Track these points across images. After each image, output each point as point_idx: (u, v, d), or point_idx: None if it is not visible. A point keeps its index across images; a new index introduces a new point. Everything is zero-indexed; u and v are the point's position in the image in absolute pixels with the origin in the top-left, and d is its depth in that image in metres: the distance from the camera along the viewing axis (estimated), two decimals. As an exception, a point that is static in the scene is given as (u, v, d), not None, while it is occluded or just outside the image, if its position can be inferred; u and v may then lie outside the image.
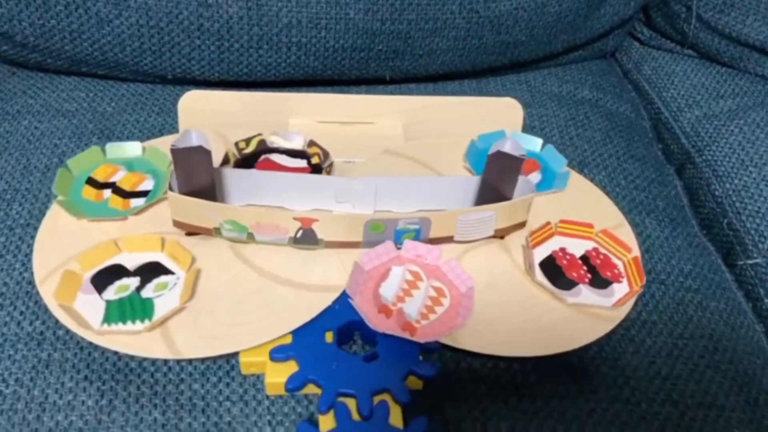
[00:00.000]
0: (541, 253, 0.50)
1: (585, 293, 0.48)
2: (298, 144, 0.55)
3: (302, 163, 0.54)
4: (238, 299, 0.45)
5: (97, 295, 0.44)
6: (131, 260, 0.47)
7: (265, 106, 0.57)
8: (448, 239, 0.49)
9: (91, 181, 0.51)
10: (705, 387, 0.46)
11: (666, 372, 0.46)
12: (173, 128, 0.60)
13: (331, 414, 0.40)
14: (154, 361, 0.43)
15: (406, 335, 0.43)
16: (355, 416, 0.40)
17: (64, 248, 0.47)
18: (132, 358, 0.43)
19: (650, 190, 0.61)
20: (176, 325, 0.43)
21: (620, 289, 0.48)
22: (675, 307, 0.51)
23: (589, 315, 0.46)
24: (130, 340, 0.42)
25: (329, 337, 0.43)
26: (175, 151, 0.44)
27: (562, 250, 0.49)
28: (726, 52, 0.74)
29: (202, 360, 0.43)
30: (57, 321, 0.44)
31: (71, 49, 0.61)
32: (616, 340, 0.47)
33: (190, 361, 0.43)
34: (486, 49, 0.68)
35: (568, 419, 0.42)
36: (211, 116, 0.56)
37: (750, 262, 0.58)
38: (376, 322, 0.43)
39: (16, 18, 0.60)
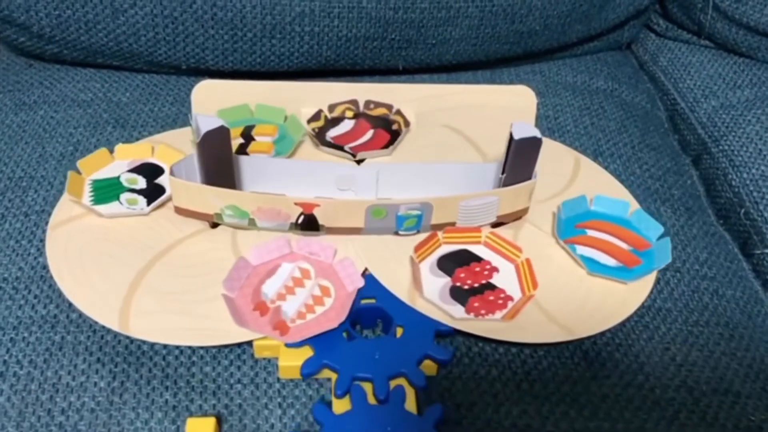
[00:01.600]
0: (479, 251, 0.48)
1: (435, 291, 0.46)
2: (385, 113, 0.58)
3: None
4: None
5: (125, 170, 0.53)
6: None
7: (278, 95, 0.57)
8: (451, 225, 0.48)
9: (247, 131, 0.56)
10: (721, 373, 0.45)
11: (681, 358, 0.46)
12: (187, 118, 0.60)
13: (345, 396, 0.40)
14: (165, 345, 0.43)
15: (276, 335, 0.41)
16: (371, 399, 0.40)
17: (76, 233, 0.48)
18: (143, 341, 0.43)
19: (665, 180, 0.61)
20: (193, 312, 0.43)
21: (461, 312, 0.44)
22: (690, 295, 0.50)
23: (605, 305, 0.46)
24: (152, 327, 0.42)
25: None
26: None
27: (492, 269, 0.47)
28: (743, 42, 0.73)
29: (214, 343, 0.43)
30: (70, 305, 0.44)
31: (87, 40, 0.62)
32: (629, 326, 0.47)
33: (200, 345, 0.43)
34: (499, 39, 0.67)
35: (580, 404, 0.42)
36: (224, 105, 0.56)
37: (767, 251, 0.58)
38: (247, 320, 0.42)
39: (33, 9, 0.60)
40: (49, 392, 0.41)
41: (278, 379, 0.42)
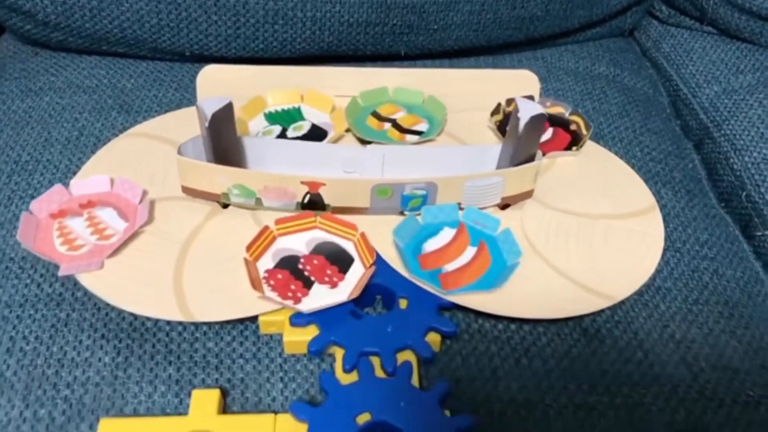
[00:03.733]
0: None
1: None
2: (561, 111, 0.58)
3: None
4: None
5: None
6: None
7: (283, 80, 0.58)
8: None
9: (376, 114, 0.58)
10: (720, 351, 0.45)
11: (680, 336, 0.46)
12: (191, 103, 0.61)
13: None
14: (168, 321, 0.44)
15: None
16: (379, 372, 0.40)
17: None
18: (147, 318, 0.44)
19: (667, 162, 0.61)
20: (194, 288, 0.44)
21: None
22: (690, 274, 0.51)
23: (594, 289, 0.46)
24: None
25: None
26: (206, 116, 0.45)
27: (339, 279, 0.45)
28: (746, 28, 0.73)
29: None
30: (76, 283, 0.45)
31: (91, 27, 0.63)
32: (628, 305, 0.47)
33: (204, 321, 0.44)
34: (501, 24, 0.68)
35: (579, 380, 0.42)
36: (230, 90, 0.57)
37: (768, 232, 0.58)
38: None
39: (38, -4, 0.61)
40: (54, 367, 0.42)
41: (280, 354, 0.43)
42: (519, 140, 0.46)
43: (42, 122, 0.58)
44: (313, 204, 0.47)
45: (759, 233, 0.58)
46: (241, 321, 0.44)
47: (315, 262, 0.46)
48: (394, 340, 0.41)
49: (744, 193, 0.61)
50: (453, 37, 0.67)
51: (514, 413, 0.40)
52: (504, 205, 0.50)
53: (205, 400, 0.39)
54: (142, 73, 0.65)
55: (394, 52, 0.68)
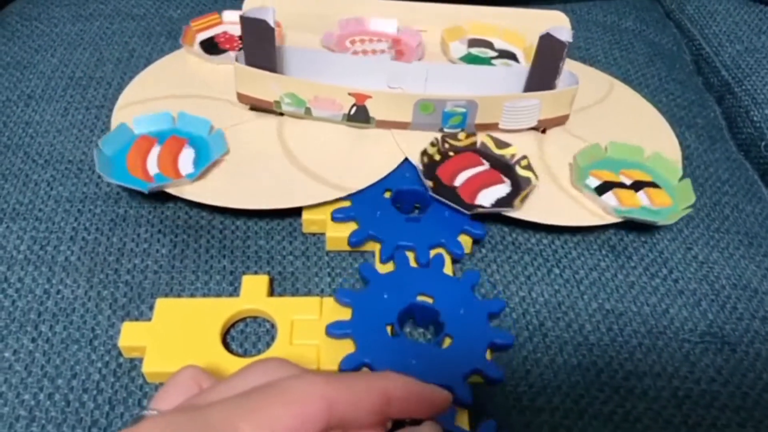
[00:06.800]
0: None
1: None
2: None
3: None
4: (302, 163, 0.48)
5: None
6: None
7: (319, 9, 0.60)
8: (494, 126, 0.51)
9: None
10: (740, 272, 0.48)
11: (703, 257, 0.48)
12: (235, 34, 0.63)
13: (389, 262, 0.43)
14: (222, 220, 0.46)
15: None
16: (413, 263, 0.43)
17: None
18: (201, 216, 0.46)
19: (690, 110, 0.63)
20: (230, 177, 0.46)
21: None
22: (712, 207, 0.53)
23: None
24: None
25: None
26: (244, 20, 0.47)
27: None
28: (769, -9, 0.75)
29: (267, 221, 0.46)
30: (132, 184, 0.47)
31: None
32: (653, 228, 0.49)
33: (255, 222, 0.46)
34: (534, -27, 0.70)
35: (609, 289, 0.45)
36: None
37: (786, 179, 0.60)
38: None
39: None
40: (115, 255, 0.44)
41: (327, 253, 0.45)
42: (533, 62, 0.49)
43: (93, 44, 0.60)
44: (359, 115, 0.49)
45: (777, 180, 0.61)
46: (290, 223, 0.47)
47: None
48: (429, 237, 0.44)
49: (763, 143, 0.64)
50: (488, -18, 0.70)
51: (548, 314, 0.43)
52: (543, 129, 0.52)
53: (255, 284, 0.42)
54: (188, 5, 0.67)
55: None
